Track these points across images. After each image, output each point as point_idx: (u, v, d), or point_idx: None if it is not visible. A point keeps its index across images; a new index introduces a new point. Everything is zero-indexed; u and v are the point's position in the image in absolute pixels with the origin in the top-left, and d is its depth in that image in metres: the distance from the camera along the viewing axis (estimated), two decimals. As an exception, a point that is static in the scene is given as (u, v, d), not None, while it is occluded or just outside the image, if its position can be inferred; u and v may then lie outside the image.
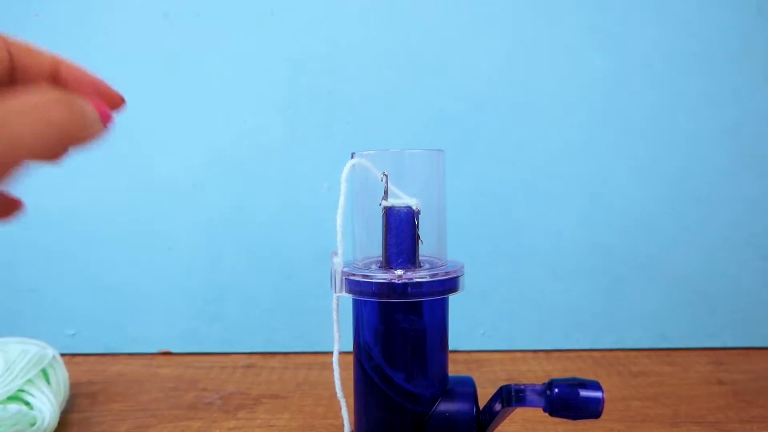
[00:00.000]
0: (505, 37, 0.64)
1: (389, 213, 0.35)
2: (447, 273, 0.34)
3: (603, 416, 0.48)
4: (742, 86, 0.64)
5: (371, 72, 0.64)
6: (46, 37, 0.64)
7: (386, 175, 0.35)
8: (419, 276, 0.33)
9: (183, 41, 0.64)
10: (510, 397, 0.33)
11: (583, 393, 0.32)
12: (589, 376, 0.57)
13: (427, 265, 0.36)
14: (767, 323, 0.66)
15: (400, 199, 0.35)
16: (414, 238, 0.35)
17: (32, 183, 0.64)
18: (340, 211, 0.34)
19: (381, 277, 0.33)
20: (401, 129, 0.64)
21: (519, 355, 0.65)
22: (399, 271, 0.33)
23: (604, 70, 0.64)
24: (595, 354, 0.65)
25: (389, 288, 0.33)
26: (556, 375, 0.58)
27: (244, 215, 0.65)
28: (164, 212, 0.65)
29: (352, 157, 0.36)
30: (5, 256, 0.66)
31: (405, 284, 0.33)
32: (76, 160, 0.73)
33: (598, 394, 0.32)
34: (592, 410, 0.32)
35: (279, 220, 0.65)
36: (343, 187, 0.35)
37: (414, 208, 0.35)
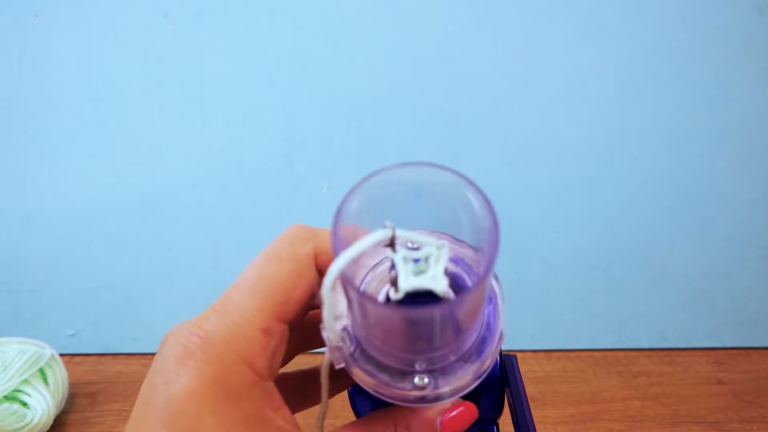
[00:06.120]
0: (505, 37, 0.64)
1: (404, 309, 0.21)
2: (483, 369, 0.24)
3: (603, 416, 0.48)
4: (742, 86, 0.64)
5: (371, 72, 0.64)
6: (46, 37, 0.64)
7: (393, 227, 0.22)
8: (454, 384, 0.23)
9: (183, 41, 0.64)
10: None
11: None
12: (589, 376, 0.58)
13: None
14: (767, 323, 0.66)
15: (416, 248, 0.22)
16: (446, 333, 0.22)
17: (32, 183, 0.64)
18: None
19: (397, 388, 0.23)
20: (401, 129, 0.64)
21: (519, 355, 0.65)
22: (421, 380, 0.23)
23: (604, 70, 0.64)
24: (595, 354, 0.65)
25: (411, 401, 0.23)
26: (556, 375, 0.59)
27: (244, 215, 0.65)
28: (164, 212, 0.65)
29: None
30: (5, 256, 0.66)
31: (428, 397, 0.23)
32: (76, 159, 0.72)
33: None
34: None
35: (279, 220, 0.65)
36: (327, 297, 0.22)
37: (443, 289, 0.20)
